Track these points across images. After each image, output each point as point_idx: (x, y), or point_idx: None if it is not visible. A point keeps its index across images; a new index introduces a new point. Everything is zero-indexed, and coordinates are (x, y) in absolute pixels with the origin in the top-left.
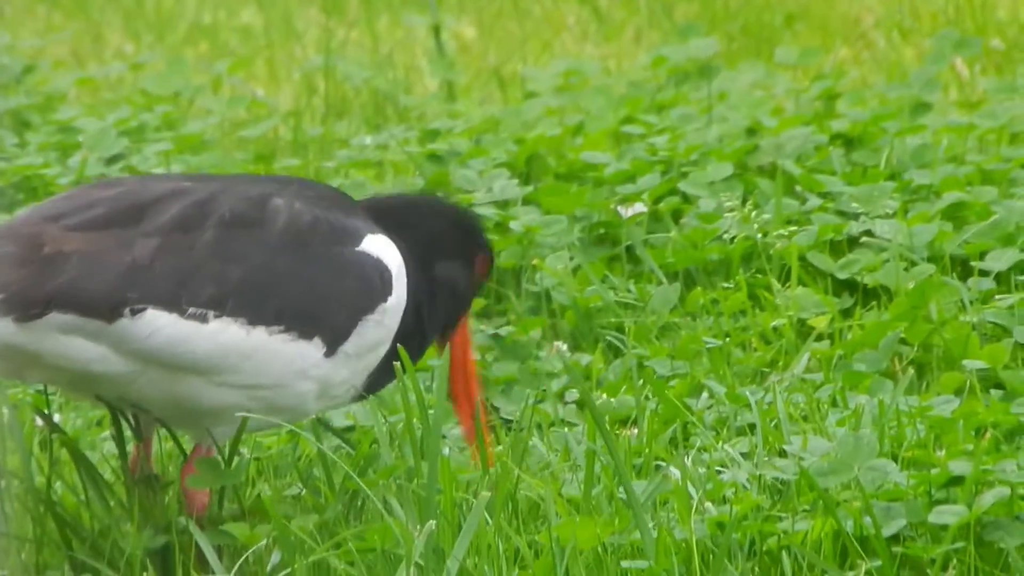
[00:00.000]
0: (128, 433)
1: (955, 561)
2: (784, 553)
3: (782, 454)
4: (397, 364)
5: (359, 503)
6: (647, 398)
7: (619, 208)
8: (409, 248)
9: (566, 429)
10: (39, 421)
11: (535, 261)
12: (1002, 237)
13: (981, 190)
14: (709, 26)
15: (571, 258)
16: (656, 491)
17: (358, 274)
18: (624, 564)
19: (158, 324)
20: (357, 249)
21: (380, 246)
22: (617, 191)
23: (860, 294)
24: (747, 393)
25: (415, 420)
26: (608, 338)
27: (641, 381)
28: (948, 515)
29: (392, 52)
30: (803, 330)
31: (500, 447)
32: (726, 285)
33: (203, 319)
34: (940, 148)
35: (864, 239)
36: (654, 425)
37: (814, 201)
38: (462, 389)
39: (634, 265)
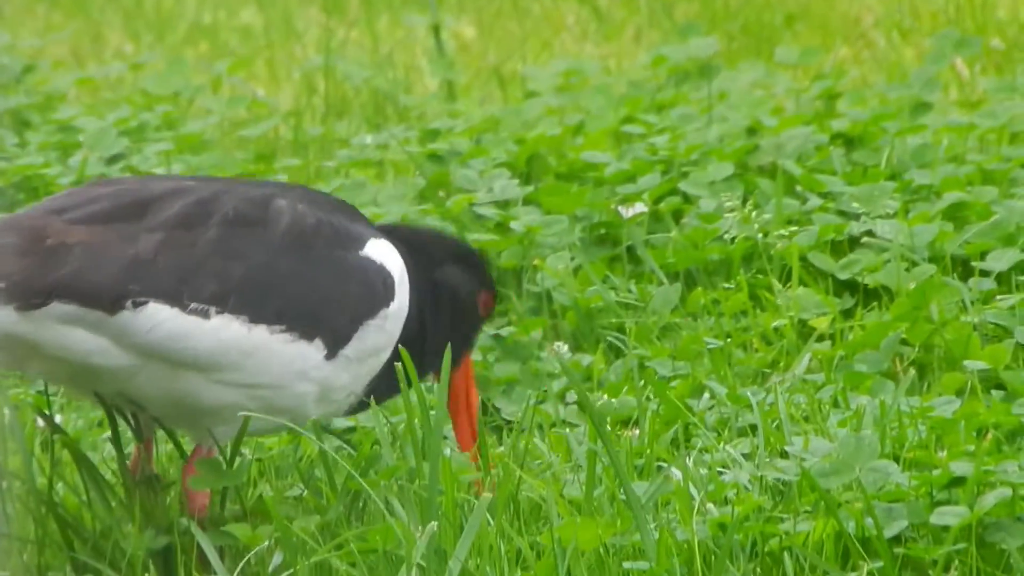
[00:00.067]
0: (127, 434)
1: (957, 562)
2: (786, 554)
3: (783, 455)
4: (399, 366)
5: (361, 504)
6: (648, 399)
7: (620, 208)
8: (413, 258)
9: (567, 430)
10: (40, 422)
11: (536, 261)
12: (1003, 237)
13: (982, 190)
14: (709, 26)
15: (572, 258)
16: (658, 492)
17: (361, 278)
18: (626, 565)
19: (160, 318)
20: (360, 253)
21: (383, 251)
22: (618, 191)
23: (861, 294)
24: (748, 394)
25: (416, 421)
26: (609, 338)
27: (642, 382)
28: (950, 516)
29: (392, 52)
30: (804, 331)
31: (501, 447)
32: (727, 285)
33: (205, 315)
34: (940, 148)
35: (865, 239)
36: (655, 426)
37: (815, 201)
38: (465, 425)
39: (635, 265)
